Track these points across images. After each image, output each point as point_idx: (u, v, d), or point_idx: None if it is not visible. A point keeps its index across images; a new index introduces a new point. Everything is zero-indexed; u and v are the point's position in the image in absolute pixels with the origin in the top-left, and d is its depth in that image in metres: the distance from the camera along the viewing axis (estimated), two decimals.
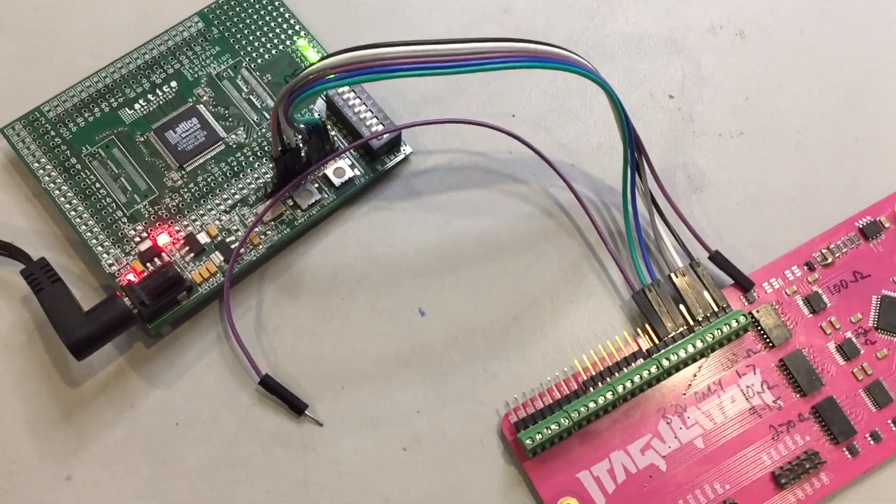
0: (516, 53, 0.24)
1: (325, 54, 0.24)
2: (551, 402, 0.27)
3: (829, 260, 0.29)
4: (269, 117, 0.30)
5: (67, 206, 0.28)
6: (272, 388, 0.27)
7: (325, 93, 0.29)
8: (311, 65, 0.23)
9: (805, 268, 0.29)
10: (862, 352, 0.28)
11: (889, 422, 0.27)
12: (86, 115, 0.29)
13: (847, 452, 0.27)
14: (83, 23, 0.32)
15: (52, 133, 0.29)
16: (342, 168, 0.29)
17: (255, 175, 0.29)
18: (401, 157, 0.30)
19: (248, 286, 0.29)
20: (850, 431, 0.27)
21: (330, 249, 0.29)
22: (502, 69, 0.24)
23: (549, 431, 0.26)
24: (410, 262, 0.29)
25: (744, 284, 0.28)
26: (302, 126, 0.27)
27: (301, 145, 0.27)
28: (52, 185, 0.28)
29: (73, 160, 0.29)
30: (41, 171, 0.28)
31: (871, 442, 0.27)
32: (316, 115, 0.29)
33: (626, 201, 0.29)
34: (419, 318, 0.28)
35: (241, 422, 0.27)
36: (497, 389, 0.28)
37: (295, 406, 0.27)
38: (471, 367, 0.28)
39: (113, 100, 0.29)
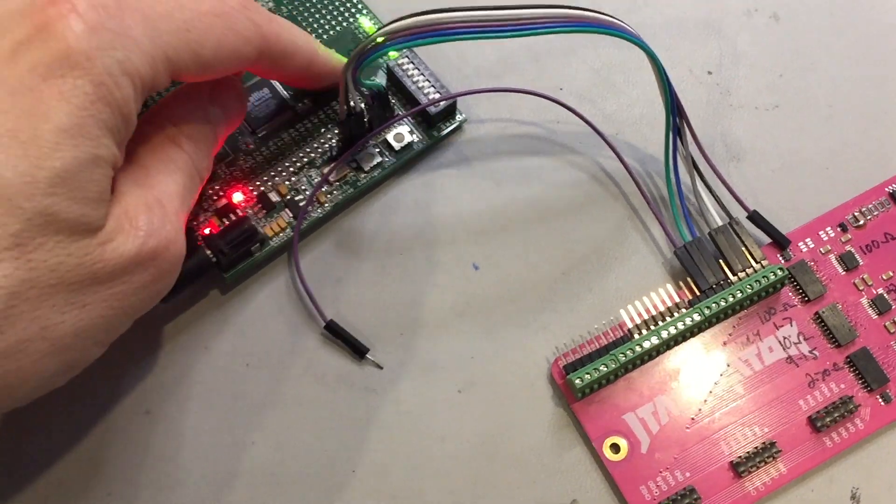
0: (567, 19, 0.26)
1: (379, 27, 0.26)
2: (598, 347, 0.28)
3: (861, 222, 0.31)
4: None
5: None
6: (336, 332, 0.29)
7: (386, 64, 0.32)
8: (379, 29, 0.26)
9: (838, 229, 0.31)
10: (894, 306, 0.29)
11: None
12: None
13: (880, 399, 0.28)
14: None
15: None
16: (401, 133, 0.31)
17: (321, 140, 0.31)
18: (456, 123, 0.32)
19: (314, 241, 0.31)
20: (884, 379, 0.28)
21: (389, 208, 0.31)
22: (553, 33, 0.26)
23: (598, 373, 0.28)
24: (464, 220, 0.31)
25: (780, 242, 0.30)
26: (366, 91, 0.29)
27: (365, 110, 0.30)
28: None
29: None
30: None
31: None
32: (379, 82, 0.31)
33: (668, 164, 0.30)
34: (473, 271, 0.30)
35: (307, 364, 0.29)
36: (546, 338, 0.30)
37: (357, 349, 0.29)
38: (522, 318, 0.30)
39: None
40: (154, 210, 0.23)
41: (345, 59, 0.29)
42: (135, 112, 0.22)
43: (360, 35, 0.33)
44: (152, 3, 0.22)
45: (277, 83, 0.32)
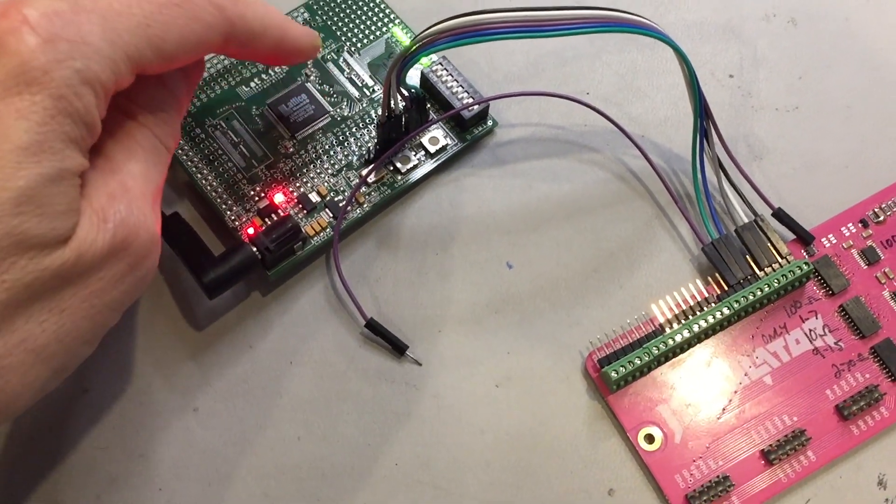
0: (601, 19, 0.27)
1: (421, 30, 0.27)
2: (631, 342, 0.29)
3: (882, 218, 0.32)
4: (368, 94, 0.33)
5: (194, 169, 0.31)
6: (377, 330, 0.30)
7: (420, 71, 0.33)
8: (423, 31, 0.27)
9: (860, 225, 0.32)
10: None
11: None
12: (207, 92, 0.33)
13: None
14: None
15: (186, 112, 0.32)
16: (436, 137, 0.32)
17: (358, 143, 0.32)
18: (488, 126, 0.33)
19: (353, 241, 0.32)
20: None
21: (425, 209, 0.32)
22: (587, 33, 0.28)
23: (632, 365, 0.29)
24: (498, 221, 0.32)
25: (805, 238, 0.31)
26: (406, 92, 0.30)
27: (403, 113, 0.31)
28: (180, 151, 0.32)
29: (198, 130, 0.32)
30: None
31: None
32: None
33: (696, 164, 0.31)
34: (507, 270, 0.31)
35: (349, 361, 0.30)
36: (580, 333, 0.30)
37: (397, 347, 0.30)
38: (555, 314, 0.31)
39: (231, 79, 0.33)
40: (119, 198, 0.22)
41: (315, 34, 0.28)
42: (99, 118, 0.21)
43: (392, 44, 0.34)
44: (108, 2, 0.21)
45: (314, 89, 0.33)
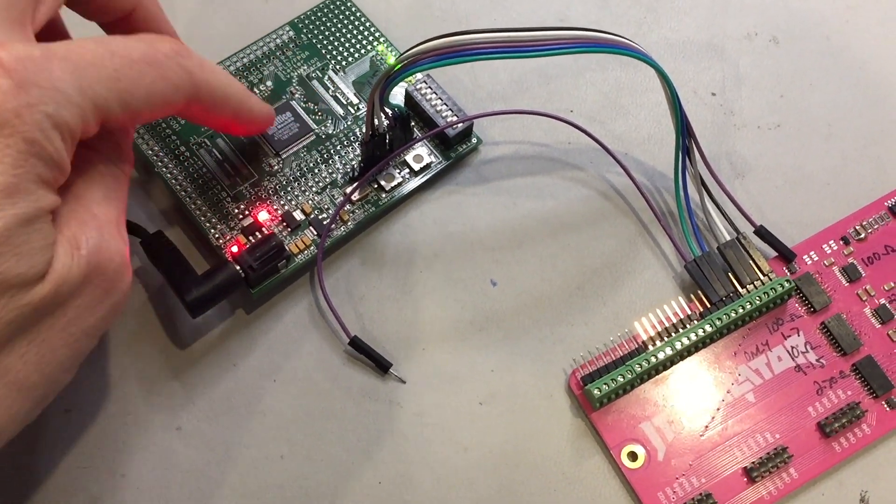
0: (583, 40, 0.27)
1: (405, 49, 0.27)
2: (614, 359, 0.30)
3: (863, 235, 0.32)
4: (353, 112, 0.33)
5: (178, 187, 0.31)
6: (360, 348, 0.30)
7: (405, 89, 0.33)
8: (407, 51, 0.27)
9: (841, 242, 0.32)
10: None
11: None
12: None
13: (885, 405, 0.29)
14: (189, 32, 0.36)
15: (164, 125, 0.32)
16: (421, 154, 0.32)
17: (343, 161, 0.32)
18: (472, 144, 0.33)
19: (337, 259, 0.32)
20: (888, 385, 0.29)
21: (409, 227, 0.32)
22: (569, 54, 0.28)
23: (615, 383, 0.29)
24: (482, 238, 0.32)
25: (786, 256, 0.31)
26: (390, 111, 0.30)
27: (387, 132, 0.31)
28: (164, 169, 0.32)
29: (183, 148, 0.32)
30: (154, 157, 0.32)
31: None
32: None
33: (678, 182, 0.32)
34: (491, 287, 0.31)
35: (333, 379, 0.30)
36: (563, 351, 0.31)
37: (381, 364, 0.30)
38: (539, 331, 0.31)
39: None
40: (89, 224, 0.22)
41: (270, 108, 0.30)
42: (68, 160, 0.22)
43: (377, 62, 0.34)
44: (81, 52, 0.22)
45: (299, 107, 0.33)
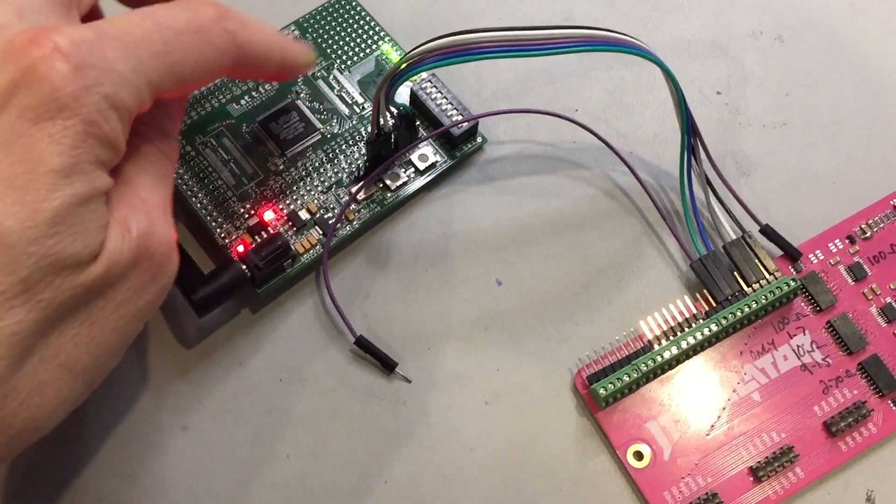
0: (588, 38, 0.27)
1: (410, 49, 0.27)
2: (620, 358, 0.30)
3: (868, 234, 0.32)
4: (358, 111, 0.33)
5: (184, 187, 0.31)
6: (366, 347, 0.30)
7: (410, 88, 0.33)
8: (412, 50, 0.27)
9: (847, 241, 0.32)
10: None
11: None
12: (198, 109, 0.33)
13: (892, 404, 0.29)
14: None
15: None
16: (426, 154, 0.32)
17: (348, 161, 0.32)
18: (477, 143, 0.33)
19: (343, 258, 0.32)
20: (894, 385, 0.29)
21: (415, 227, 0.32)
22: (574, 52, 0.28)
23: (620, 382, 0.29)
24: (487, 237, 0.32)
25: (792, 255, 0.31)
26: (395, 110, 0.30)
27: (392, 131, 0.31)
28: None
29: (188, 148, 0.32)
30: None
31: None
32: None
33: (683, 181, 0.32)
34: (496, 286, 0.31)
35: (338, 378, 0.30)
36: (569, 350, 0.31)
37: (386, 364, 0.30)
38: (544, 330, 0.31)
39: (222, 97, 0.33)
40: (138, 208, 0.23)
41: (312, 51, 0.28)
42: (124, 140, 0.22)
43: (382, 61, 0.34)
44: (130, 29, 0.22)
45: (304, 107, 0.33)
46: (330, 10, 0.35)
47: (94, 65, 0.21)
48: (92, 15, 0.26)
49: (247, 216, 0.31)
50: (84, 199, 0.21)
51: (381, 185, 0.32)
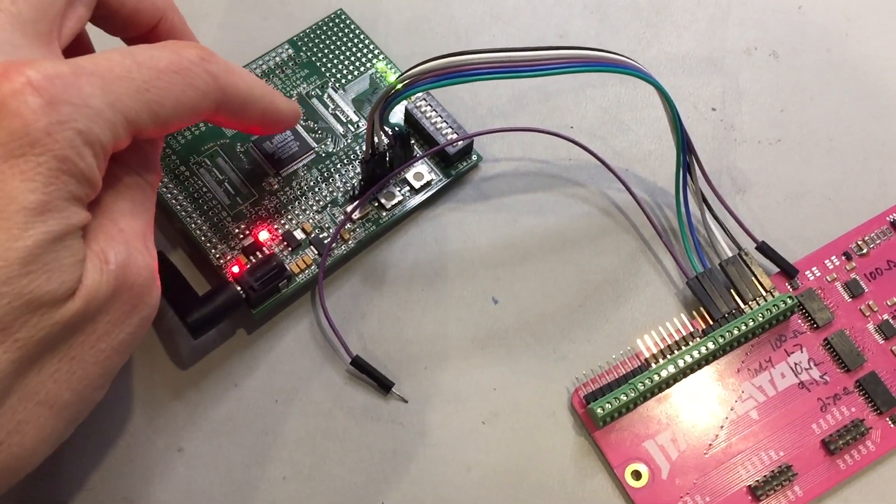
0: (582, 59, 0.27)
1: (403, 70, 0.27)
2: (617, 377, 0.29)
3: (865, 250, 0.32)
4: (353, 130, 0.33)
5: (178, 207, 0.31)
6: (362, 367, 0.30)
7: (404, 107, 0.33)
8: (406, 71, 0.27)
9: (843, 257, 0.32)
10: None
11: None
12: (192, 129, 0.33)
13: (890, 421, 0.29)
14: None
15: (164, 145, 0.32)
16: (421, 172, 0.32)
17: (343, 180, 0.32)
18: (472, 162, 0.33)
19: (338, 278, 0.32)
20: (892, 402, 0.29)
21: (410, 245, 0.32)
22: (568, 73, 0.28)
23: (618, 401, 0.29)
24: (483, 255, 0.32)
25: (789, 272, 0.31)
26: (390, 130, 0.30)
27: (387, 150, 0.31)
28: (164, 189, 0.32)
29: (183, 168, 0.32)
30: None
31: None
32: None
33: (679, 199, 0.32)
34: (493, 305, 0.31)
35: (334, 399, 0.30)
36: (566, 368, 0.30)
37: (383, 384, 0.30)
38: (541, 349, 0.31)
39: None
40: (116, 238, 0.22)
41: (297, 105, 0.29)
42: (100, 176, 0.22)
43: (377, 80, 0.34)
44: (109, 66, 0.22)
45: (299, 126, 0.33)
46: (324, 28, 0.35)
47: (68, 100, 0.20)
48: (78, 44, 0.26)
49: (241, 236, 0.31)
50: (58, 237, 0.20)
51: (377, 204, 0.32)
